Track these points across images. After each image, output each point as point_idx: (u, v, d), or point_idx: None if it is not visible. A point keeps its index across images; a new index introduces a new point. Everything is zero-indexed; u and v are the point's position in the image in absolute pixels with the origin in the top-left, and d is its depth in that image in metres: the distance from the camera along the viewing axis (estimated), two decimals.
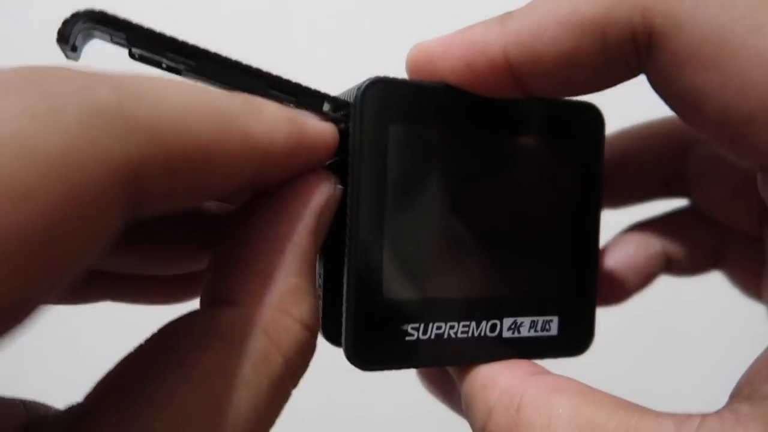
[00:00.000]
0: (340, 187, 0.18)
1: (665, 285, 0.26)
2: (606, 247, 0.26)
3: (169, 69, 0.19)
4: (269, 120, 0.16)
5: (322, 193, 0.18)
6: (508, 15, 0.19)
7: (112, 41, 0.18)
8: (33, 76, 0.12)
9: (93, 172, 0.11)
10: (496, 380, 0.19)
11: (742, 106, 0.15)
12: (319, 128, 0.18)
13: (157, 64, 0.18)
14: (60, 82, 0.12)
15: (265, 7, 0.56)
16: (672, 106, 0.18)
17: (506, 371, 0.19)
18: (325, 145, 0.18)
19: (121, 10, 0.17)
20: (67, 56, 0.17)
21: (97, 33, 0.17)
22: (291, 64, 0.54)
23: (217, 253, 0.17)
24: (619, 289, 0.25)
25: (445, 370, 0.22)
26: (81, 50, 0.18)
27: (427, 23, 0.56)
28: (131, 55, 0.18)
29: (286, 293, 0.16)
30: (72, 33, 0.17)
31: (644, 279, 0.25)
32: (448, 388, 0.23)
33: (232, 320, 0.15)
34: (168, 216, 0.18)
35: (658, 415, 0.17)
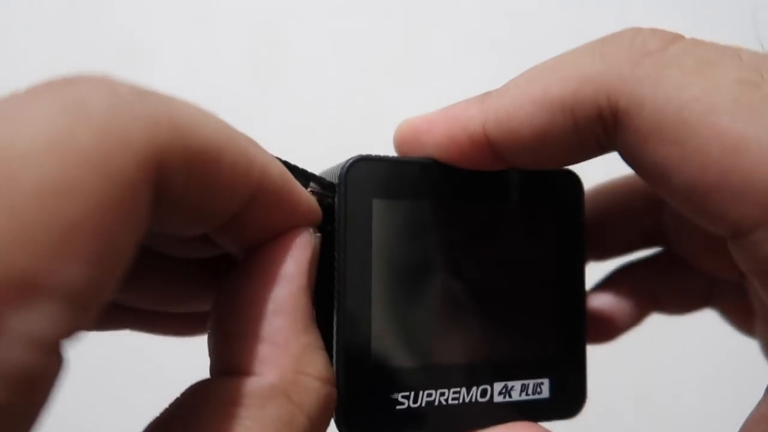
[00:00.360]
0: (318, 235, 0.19)
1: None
2: (595, 286, 0.26)
3: None
4: (268, 155, 0.17)
5: (307, 248, 0.18)
6: (486, 94, 0.20)
7: None
8: (62, 82, 0.13)
9: (125, 160, 0.13)
10: None
11: (703, 179, 0.16)
12: (304, 192, 0.19)
13: None
14: (87, 85, 0.13)
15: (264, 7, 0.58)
16: (642, 177, 0.18)
17: None
18: (309, 206, 0.19)
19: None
20: None
21: None
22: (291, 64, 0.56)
23: (217, 318, 0.18)
24: (608, 328, 0.25)
25: None
26: None
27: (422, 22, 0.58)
28: None
29: (299, 354, 0.17)
30: None
31: (634, 318, 0.26)
32: None
33: (252, 390, 0.16)
34: (179, 252, 0.20)
35: None
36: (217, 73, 0.57)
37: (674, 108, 0.16)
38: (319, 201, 0.21)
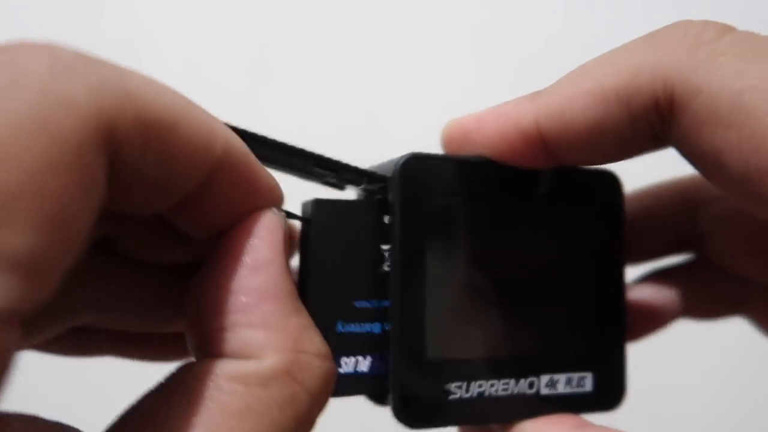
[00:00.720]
0: (282, 213, 0.19)
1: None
2: (627, 287, 0.27)
3: None
4: (230, 132, 0.17)
5: (278, 229, 0.18)
6: (537, 92, 0.20)
7: None
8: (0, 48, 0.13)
9: (69, 122, 0.12)
10: None
11: (758, 164, 0.16)
12: (266, 171, 0.18)
13: None
14: (25, 49, 0.13)
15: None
16: (697, 167, 0.19)
17: (553, 425, 0.20)
18: (270, 186, 0.18)
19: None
20: None
21: None
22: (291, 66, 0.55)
23: (197, 310, 0.17)
24: (634, 330, 0.25)
25: (487, 428, 0.22)
26: None
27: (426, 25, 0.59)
28: None
29: (297, 335, 0.17)
30: None
31: (660, 322, 0.26)
32: None
33: (252, 371, 0.16)
34: (149, 256, 0.19)
35: None
36: (216, 73, 0.57)
37: (731, 94, 0.17)
38: (368, 196, 0.22)
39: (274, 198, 0.18)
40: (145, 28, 0.57)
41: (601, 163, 0.22)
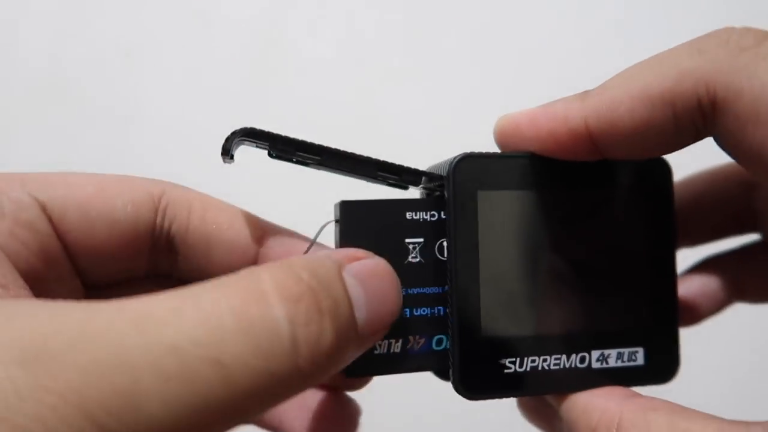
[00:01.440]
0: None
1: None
2: (682, 274, 0.28)
3: (299, 162, 0.24)
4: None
5: None
6: (586, 93, 0.22)
7: (257, 146, 0.23)
8: None
9: None
10: (596, 404, 0.22)
11: None
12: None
13: (289, 160, 0.24)
14: None
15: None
16: (739, 162, 0.20)
17: (603, 396, 0.22)
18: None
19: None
20: (224, 161, 0.23)
21: (246, 141, 0.23)
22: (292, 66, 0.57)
23: None
24: (692, 313, 0.27)
25: (543, 399, 0.25)
26: (234, 157, 0.23)
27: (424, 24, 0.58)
28: (270, 155, 0.23)
29: None
30: (232, 146, 0.22)
31: (717, 305, 0.27)
32: (548, 417, 0.26)
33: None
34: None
35: (748, 424, 0.19)
36: (216, 73, 0.58)
37: None
38: (429, 193, 0.25)
39: None
40: (146, 28, 0.58)
41: (642, 157, 0.23)
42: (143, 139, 0.59)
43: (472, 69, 0.58)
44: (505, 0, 0.59)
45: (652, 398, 0.21)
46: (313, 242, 0.24)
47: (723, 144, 0.20)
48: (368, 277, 0.20)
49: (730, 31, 0.20)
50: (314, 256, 0.19)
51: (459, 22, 0.59)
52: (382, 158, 0.24)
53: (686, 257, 0.27)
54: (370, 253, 0.22)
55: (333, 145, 0.23)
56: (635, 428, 0.20)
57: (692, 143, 0.21)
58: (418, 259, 0.23)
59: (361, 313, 0.19)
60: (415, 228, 0.23)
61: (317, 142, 0.23)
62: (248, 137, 0.22)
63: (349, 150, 0.23)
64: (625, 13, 0.58)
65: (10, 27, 0.58)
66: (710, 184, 0.27)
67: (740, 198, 0.27)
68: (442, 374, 0.24)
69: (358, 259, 0.20)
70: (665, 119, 0.20)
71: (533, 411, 0.26)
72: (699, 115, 0.20)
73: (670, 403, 0.21)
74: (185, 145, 0.58)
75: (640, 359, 0.24)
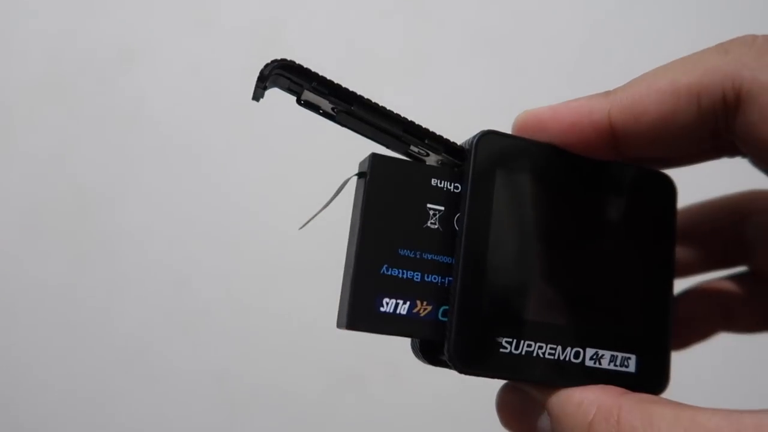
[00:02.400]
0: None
1: None
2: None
3: (325, 115, 0.24)
4: None
5: None
6: (610, 90, 0.23)
7: (288, 89, 0.23)
8: None
9: None
10: (592, 398, 0.21)
11: None
12: None
13: (316, 110, 0.23)
14: None
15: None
16: (757, 156, 0.21)
17: (599, 391, 0.21)
18: None
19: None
20: (255, 94, 0.22)
21: (280, 81, 0.22)
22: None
23: None
24: (679, 339, 0.27)
25: (527, 398, 0.24)
26: (265, 93, 0.23)
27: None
28: (298, 102, 0.23)
29: None
30: (270, 76, 0.22)
31: (702, 334, 0.27)
32: (528, 419, 0.25)
33: None
34: None
35: (760, 410, 0.18)
36: (216, 73, 0.59)
37: None
38: (449, 167, 0.25)
39: None
40: (146, 28, 0.59)
41: (662, 160, 0.24)
42: (143, 139, 0.58)
43: (473, 69, 0.59)
44: (504, 0, 0.60)
45: (651, 396, 0.21)
46: (333, 198, 0.24)
47: (743, 139, 0.21)
48: None
49: (753, 36, 0.21)
50: None
51: (461, 20, 0.60)
52: (411, 119, 0.24)
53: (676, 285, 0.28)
54: None
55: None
56: (637, 420, 0.19)
57: (707, 146, 0.23)
58: (436, 226, 0.23)
59: None
60: (438, 195, 0.24)
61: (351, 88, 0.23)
62: (284, 70, 0.22)
63: (383, 104, 0.23)
64: (624, 13, 0.60)
65: (11, 26, 0.59)
66: (701, 216, 0.28)
67: (730, 230, 0.27)
68: (429, 355, 0.24)
69: None
70: (689, 113, 0.21)
71: (514, 413, 0.25)
72: (722, 109, 0.21)
73: (671, 400, 0.20)
74: (185, 146, 0.57)
75: (631, 366, 0.24)
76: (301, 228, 0.24)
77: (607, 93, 0.23)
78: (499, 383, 0.25)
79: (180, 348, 0.57)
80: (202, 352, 0.59)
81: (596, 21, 0.62)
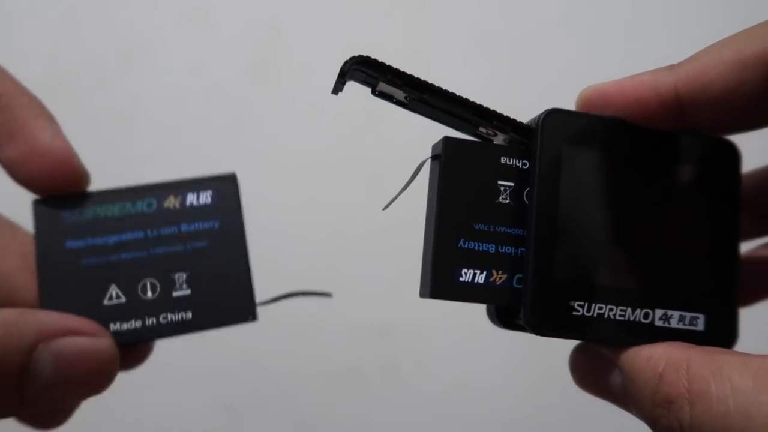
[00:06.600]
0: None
1: None
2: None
3: (398, 103, 0.25)
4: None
5: None
6: (675, 64, 0.24)
7: (364, 81, 0.25)
8: None
9: None
10: (661, 352, 0.22)
11: None
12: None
13: (390, 99, 0.25)
14: None
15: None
16: None
17: (668, 345, 0.22)
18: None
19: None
20: (335, 88, 0.24)
21: (356, 75, 0.24)
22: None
23: None
24: (747, 295, 0.27)
25: (600, 358, 0.25)
26: (344, 86, 0.24)
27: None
28: (373, 93, 0.25)
29: None
30: (349, 71, 0.23)
31: (767, 292, 0.28)
32: (602, 378, 0.25)
33: None
34: None
35: None
36: (216, 72, 0.59)
37: None
38: (516, 144, 0.26)
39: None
40: (146, 28, 0.60)
41: (727, 128, 0.25)
42: (143, 139, 0.57)
43: (473, 69, 0.59)
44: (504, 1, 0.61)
45: (718, 349, 0.22)
46: (410, 181, 0.25)
47: None
48: (69, 360, 0.21)
49: None
50: (26, 317, 0.20)
51: (460, 20, 0.61)
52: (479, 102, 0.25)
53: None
54: (95, 328, 0.23)
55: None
56: (706, 369, 0.20)
57: None
58: (507, 201, 0.25)
59: (36, 391, 0.21)
60: (508, 172, 0.25)
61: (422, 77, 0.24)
62: (361, 66, 0.24)
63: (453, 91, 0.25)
64: (622, 12, 0.60)
65: (11, 26, 0.59)
66: (766, 179, 0.29)
67: None
68: (504, 319, 0.25)
69: (72, 333, 0.22)
70: (756, 82, 0.22)
71: (587, 372, 0.26)
72: None
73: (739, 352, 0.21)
74: (185, 145, 0.57)
75: (700, 325, 0.25)
76: (384, 209, 0.25)
77: (672, 66, 0.24)
78: (569, 345, 0.26)
79: (180, 347, 0.56)
80: (202, 351, 0.58)
81: (596, 21, 0.61)
